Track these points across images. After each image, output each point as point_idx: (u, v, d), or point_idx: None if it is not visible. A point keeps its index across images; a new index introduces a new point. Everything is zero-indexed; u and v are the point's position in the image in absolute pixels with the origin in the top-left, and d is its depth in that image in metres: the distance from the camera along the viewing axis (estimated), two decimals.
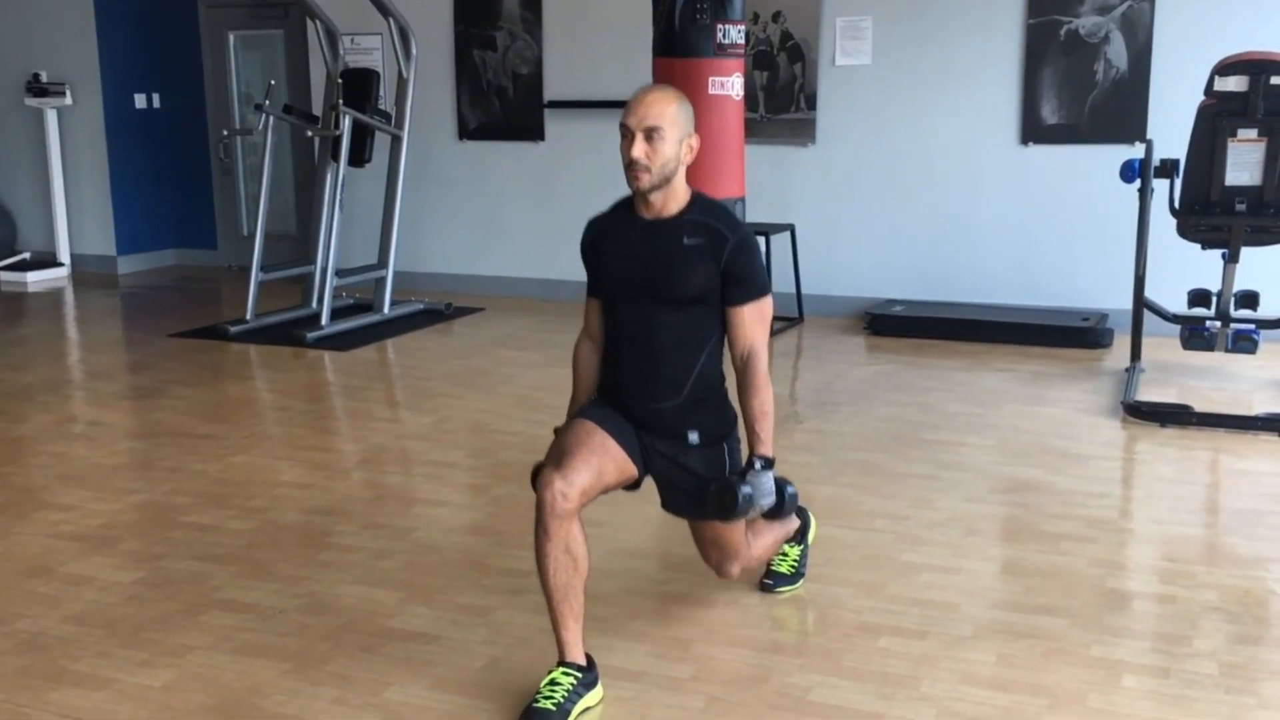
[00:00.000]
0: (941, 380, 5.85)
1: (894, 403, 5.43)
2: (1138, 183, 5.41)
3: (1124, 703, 2.81)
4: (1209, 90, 4.79)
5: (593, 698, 2.82)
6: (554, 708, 2.72)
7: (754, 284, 2.94)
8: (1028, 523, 3.98)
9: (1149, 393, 5.33)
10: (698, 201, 2.95)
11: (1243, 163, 4.88)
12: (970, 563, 3.64)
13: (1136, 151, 6.49)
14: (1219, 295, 5.51)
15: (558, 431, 3.06)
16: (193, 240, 9.77)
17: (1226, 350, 5.57)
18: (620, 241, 2.98)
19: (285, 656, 3.12)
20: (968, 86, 6.96)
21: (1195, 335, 5.57)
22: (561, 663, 2.82)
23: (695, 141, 2.90)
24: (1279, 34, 6.10)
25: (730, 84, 5.30)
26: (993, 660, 3.03)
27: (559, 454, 2.86)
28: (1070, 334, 6.52)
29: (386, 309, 7.40)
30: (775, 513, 2.98)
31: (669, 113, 2.83)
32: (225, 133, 8.82)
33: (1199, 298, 5.60)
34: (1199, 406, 5.06)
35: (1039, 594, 3.46)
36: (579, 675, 2.80)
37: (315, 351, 6.67)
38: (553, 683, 2.77)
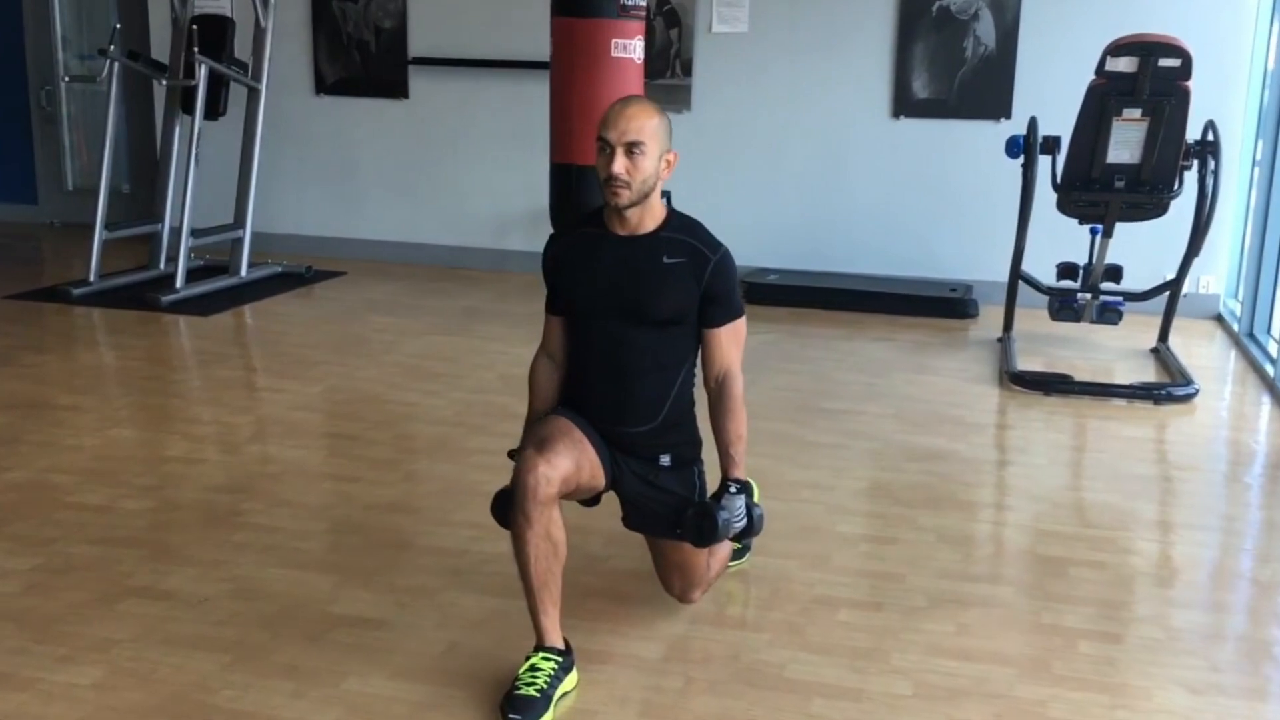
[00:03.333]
0: (827, 349, 5.93)
1: (788, 371, 5.47)
2: (1021, 158, 5.54)
3: (1087, 669, 2.89)
4: (1100, 70, 4.95)
5: (570, 682, 2.72)
6: (538, 694, 2.61)
7: (733, 305, 2.87)
8: (946, 491, 4.06)
9: (1025, 362, 5.52)
10: (674, 218, 2.84)
11: (1125, 141, 5.08)
12: (903, 532, 3.69)
13: (1003, 127, 6.74)
14: (1087, 268, 5.74)
15: (512, 456, 2.90)
16: (8, 194, 9.03)
17: (1092, 321, 5.83)
18: (592, 259, 2.83)
19: (223, 648, 2.91)
20: (842, 59, 7.03)
21: (1065, 307, 5.81)
22: (541, 647, 2.71)
23: (674, 157, 2.80)
24: (1142, 18, 6.36)
25: (633, 47, 5.18)
26: (952, 630, 3.07)
27: (539, 439, 2.74)
28: (939, 304, 6.71)
29: (244, 271, 7.02)
30: (744, 535, 2.94)
31: (650, 126, 2.72)
32: (66, 79, 8.18)
33: (1067, 270, 5.82)
34: (1076, 376, 5.27)
35: (977, 562, 3.53)
36: (559, 660, 2.70)
37: (170, 316, 6.27)
38: (533, 669, 2.66)
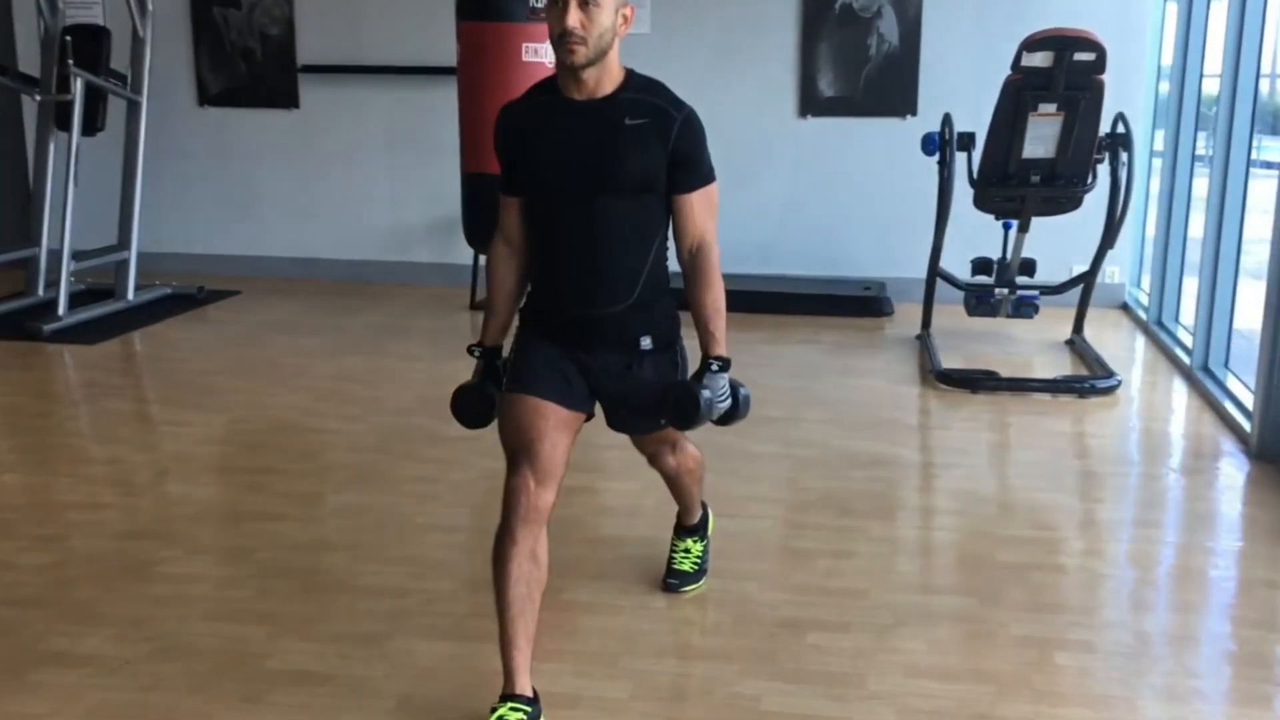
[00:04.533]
0: (751, 354, 5.80)
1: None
2: (937, 155, 5.51)
3: (1067, 682, 2.82)
4: (1015, 65, 4.94)
5: None
6: None
7: (703, 167, 2.66)
8: (894, 499, 3.99)
9: (946, 359, 5.49)
10: (634, 78, 2.63)
11: (1040, 136, 5.08)
12: (859, 545, 3.59)
13: (909, 124, 6.74)
14: (1002, 263, 5.75)
15: (471, 352, 2.77)
16: None
17: (1008, 315, 5.84)
18: (551, 128, 2.60)
19: (154, 716, 2.66)
20: (746, 59, 6.94)
21: (982, 302, 5.81)
22: (509, 696, 2.53)
23: (630, 11, 2.58)
24: (1042, 11, 6.40)
25: (544, 51, 5.01)
26: (925, 648, 2.97)
27: (526, 443, 2.56)
28: (854, 303, 6.67)
29: (131, 295, 6.64)
30: (730, 417, 2.75)
31: None
32: None
33: (982, 266, 5.82)
34: (998, 371, 5.25)
35: (938, 573, 3.46)
36: (527, 711, 2.52)
37: (54, 346, 5.89)
38: None
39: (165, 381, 5.48)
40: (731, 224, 6.98)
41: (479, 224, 5.20)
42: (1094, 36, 4.87)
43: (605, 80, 2.58)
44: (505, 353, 2.78)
